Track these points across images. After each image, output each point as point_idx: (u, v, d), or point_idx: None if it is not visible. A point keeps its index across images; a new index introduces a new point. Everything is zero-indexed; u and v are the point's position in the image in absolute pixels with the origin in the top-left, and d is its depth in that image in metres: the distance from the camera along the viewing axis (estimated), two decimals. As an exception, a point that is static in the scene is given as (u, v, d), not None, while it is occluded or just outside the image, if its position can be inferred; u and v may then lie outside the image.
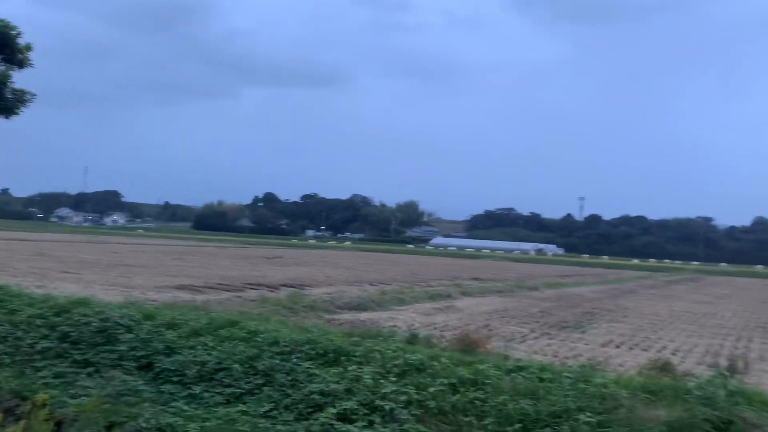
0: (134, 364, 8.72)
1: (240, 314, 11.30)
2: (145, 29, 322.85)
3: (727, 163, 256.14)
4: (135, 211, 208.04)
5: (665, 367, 8.62)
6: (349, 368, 7.91)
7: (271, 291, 21.95)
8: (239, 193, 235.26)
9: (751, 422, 6.58)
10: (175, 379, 8.36)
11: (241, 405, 7.68)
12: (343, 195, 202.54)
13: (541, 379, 7.60)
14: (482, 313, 20.67)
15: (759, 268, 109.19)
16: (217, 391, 8.03)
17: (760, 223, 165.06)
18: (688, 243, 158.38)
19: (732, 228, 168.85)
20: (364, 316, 17.23)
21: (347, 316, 16.80)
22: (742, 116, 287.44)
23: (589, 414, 6.77)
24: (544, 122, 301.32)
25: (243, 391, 7.96)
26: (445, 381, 7.49)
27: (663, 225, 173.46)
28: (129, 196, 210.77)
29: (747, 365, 9.93)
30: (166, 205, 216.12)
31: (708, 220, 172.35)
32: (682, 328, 19.90)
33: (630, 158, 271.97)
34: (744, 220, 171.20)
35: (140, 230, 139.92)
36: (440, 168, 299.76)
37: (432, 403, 7.15)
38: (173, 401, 7.83)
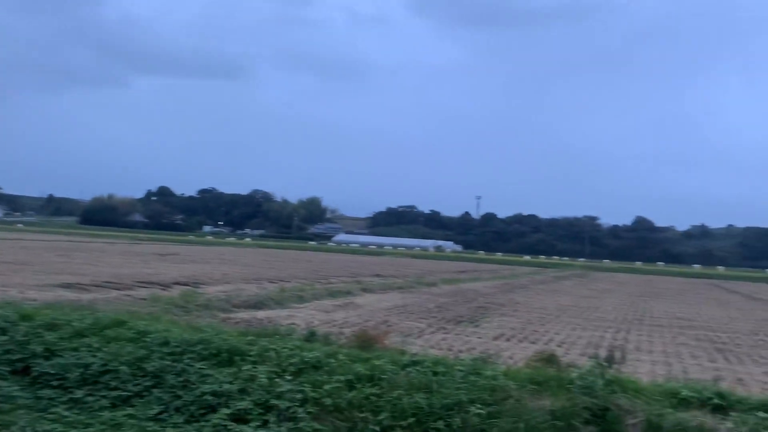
0: (8, 369, 8.13)
1: (129, 314, 10.79)
2: (30, 9, 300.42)
3: (611, 166, 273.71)
4: (14, 204, 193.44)
5: (551, 359, 9.09)
6: (244, 368, 7.76)
7: (164, 289, 21.11)
8: (131, 187, 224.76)
9: (625, 408, 7.08)
10: (54, 383, 7.87)
11: (128, 408, 7.35)
12: (243, 190, 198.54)
13: (435, 373, 7.79)
14: (382, 309, 20.92)
15: (638, 264, 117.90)
16: (101, 394, 7.64)
17: (639, 222, 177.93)
18: (576, 241, 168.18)
19: (615, 227, 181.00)
20: (261, 314, 16.94)
21: (244, 314, 16.45)
22: (626, 121, 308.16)
23: (479, 405, 7.02)
24: (444, 123, 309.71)
25: (130, 394, 7.63)
26: (342, 378, 7.51)
27: (553, 223, 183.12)
28: (8, 188, 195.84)
29: (624, 356, 10.65)
30: (50, 198, 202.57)
31: (593, 219, 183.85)
32: (567, 322, 21.07)
33: (524, 159, 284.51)
34: (626, 219, 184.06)
35: (20, 224, 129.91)
36: (344, 165, 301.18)
37: (328, 401, 7.16)
38: (53, 407, 7.37)
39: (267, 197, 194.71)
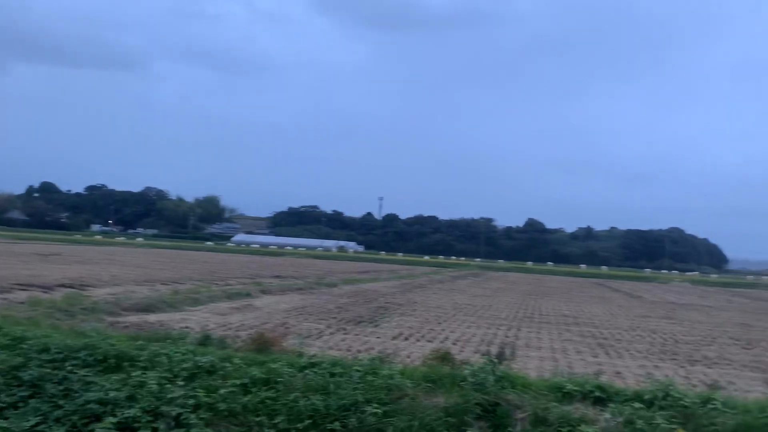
0: None
1: (3, 318, 10.04)
2: None
3: (506, 170, 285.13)
4: None
5: (445, 357, 9.34)
6: (133, 374, 7.43)
7: (45, 292, 19.79)
8: (10, 182, 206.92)
9: (514, 403, 7.40)
10: None
11: (1, 421, 6.84)
12: (136, 187, 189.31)
13: (333, 374, 7.80)
14: (281, 311, 20.68)
15: (530, 264, 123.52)
16: (-31, 407, 7.06)
17: (531, 224, 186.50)
18: (473, 241, 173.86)
19: (509, 228, 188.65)
20: (153, 317, 16.29)
21: (134, 318, 15.74)
22: (521, 128, 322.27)
23: (376, 405, 7.10)
24: (348, 123, 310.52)
25: (4, 405, 7.09)
26: (237, 382, 7.37)
27: (452, 225, 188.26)
28: None
29: (514, 352, 11.14)
30: None
31: (489, 220, 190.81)
32: (463, 320, 21.75)
33: (425, 162, 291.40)
34: (519, 221, 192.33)
35: None
36: (244, 164, 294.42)
37: (222, 405, 7.00)
38: None
39: (161, 195, 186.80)
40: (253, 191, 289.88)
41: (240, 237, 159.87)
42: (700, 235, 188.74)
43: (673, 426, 6.76)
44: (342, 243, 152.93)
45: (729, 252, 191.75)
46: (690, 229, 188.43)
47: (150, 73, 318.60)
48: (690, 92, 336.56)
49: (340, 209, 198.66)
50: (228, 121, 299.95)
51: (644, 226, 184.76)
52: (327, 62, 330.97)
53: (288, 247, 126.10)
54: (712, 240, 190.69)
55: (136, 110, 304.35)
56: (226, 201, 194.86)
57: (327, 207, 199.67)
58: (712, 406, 7.31)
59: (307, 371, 7.89)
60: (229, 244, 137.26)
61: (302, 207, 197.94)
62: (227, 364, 7.83)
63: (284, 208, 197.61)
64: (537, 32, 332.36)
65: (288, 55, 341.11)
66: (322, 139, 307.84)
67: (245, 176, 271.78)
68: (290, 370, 7.84)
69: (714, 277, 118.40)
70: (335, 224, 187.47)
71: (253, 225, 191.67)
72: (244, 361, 8.01)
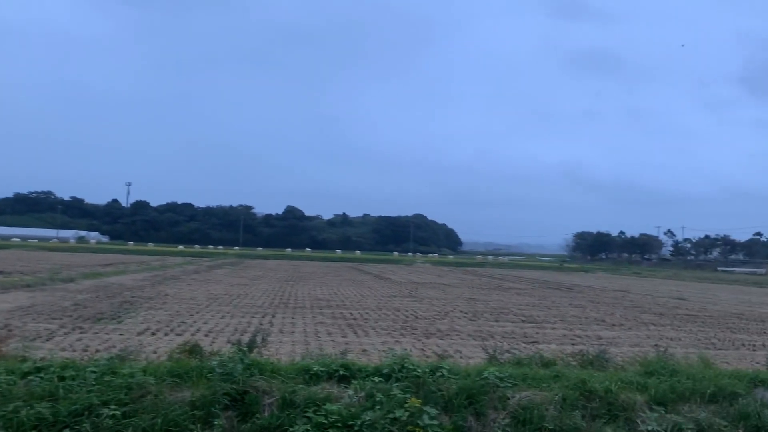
0: None
1: None
2: None
3: (265, 157, 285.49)
4: None
5: (194, 349, 9.08)
6: None
7: None
8: None
9: (262, 389, 7.51)
10: None
11: None
12: None
13: (63, 378, 7.17)
14: (3, 311, 18.19)
15: (288, 251, 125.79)
16: None
17: (290, 212, 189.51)
18: (231, 229, 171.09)
19: (268, 216, 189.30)
20: None
21: None
22: (279, 114, 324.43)
23: (113, 407, 6.69)
24: (91, 102, 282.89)
25: None
26: (-63, 397, 6.35)
27: (208, 212, 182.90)
28: None
29: (265, 338, 11.26)
30: None
31: (248, 208, 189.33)
32: (217, 310, 21.35)
33: (179, 147, 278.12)
34: (278, 208, 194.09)
35: None
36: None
37: None
38: None
39: None
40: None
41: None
42: (440, 220, 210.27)
43: (407, 395, 7.46)
44: (83, 233, 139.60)
45: (462, 235, 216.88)
46: (431, 215, 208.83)
47: None
48: (432, 90, 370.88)
49: (80, 196, 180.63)
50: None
51: (393, 213, 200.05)
52: (66, 32, 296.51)
53: (15, 239, 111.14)
54: (450, 225, 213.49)
55: None
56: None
57: (65, 193, 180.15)
58: (440, 374, 8.21)
59: (31, 377, 7.14)
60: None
61: (33, 193, 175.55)
62: None
63: (9, 194, 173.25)
64: (288, 17, 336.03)
65: (19, 22, 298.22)
66: (60, 117, 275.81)
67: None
68: (10, 377, 7.03)
69: (451, 258, 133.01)
70: (75, 212, 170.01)
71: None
72: (-51, 373, 6.92)
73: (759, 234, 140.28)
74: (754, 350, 16.97)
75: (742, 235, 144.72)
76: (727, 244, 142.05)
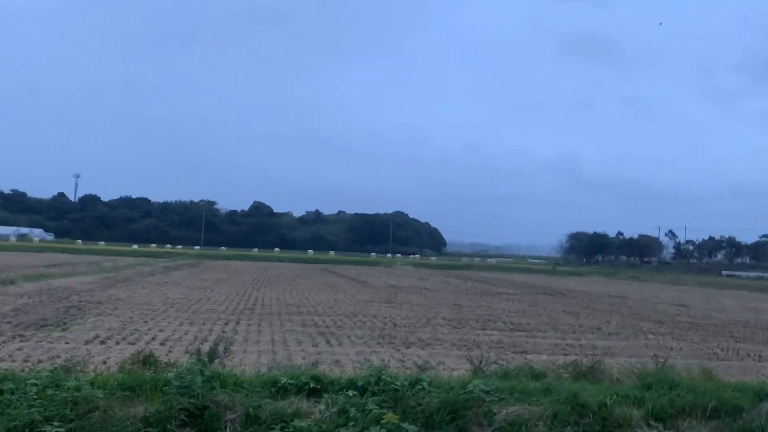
0: None
1: None
2: None
3: (229, 149, 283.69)
4: None
5: (148, 360, 9.01)
6: None
7: None
8: None
9: (224, 404, 7.47)
10: None
11: None
12: None
13: (1, 392, 7.08)
14: (-70, 319, 17.90)
15: (255, 251, 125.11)
16: None
17: (257, 208, 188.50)
18: (191, 227, 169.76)
19: (233, 212, 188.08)
20: None
21: None
22: (243, 102, 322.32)
23: (57, 424, 6.62)
24: (32, 85, 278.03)
25: None
26: None
27: (166, 208, 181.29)
28: None
29: (228, 348, 11.21)
30: None
31: (211, 203, 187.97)
32: (175, 317, 21.21)
33: (134, 137, 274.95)
34: (244, 204, 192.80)
35: None
36: None
37: None
38: None
39: None
40: None
41: None
42: (422, 219, 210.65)
43: (384, 410, 7.47)
44: (25, 230, 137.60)
45: (447, 235, 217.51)
46: (413, 213, 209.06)
47: None
48: (415, 78, 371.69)
49: (22, 189, 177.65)
50: None
51: (371, 210, 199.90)
52: (2, 7, 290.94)
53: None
54: (433, 224, 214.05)
55: None
56: None
57: (4, 186, 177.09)
58: (420, 387, 8.24)
59: (-40, 393, 7.01)
60: None
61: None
62: None
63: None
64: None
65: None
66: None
67: None
68: (-64, 394, 6.89)
69: (434, 259, 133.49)
70: (15, 207, 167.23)
71: None
72: None
73: (766, 236, 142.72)
74: (759, 361, 17.31)
75: (748, 237, 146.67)
76: (733, 247, 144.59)
